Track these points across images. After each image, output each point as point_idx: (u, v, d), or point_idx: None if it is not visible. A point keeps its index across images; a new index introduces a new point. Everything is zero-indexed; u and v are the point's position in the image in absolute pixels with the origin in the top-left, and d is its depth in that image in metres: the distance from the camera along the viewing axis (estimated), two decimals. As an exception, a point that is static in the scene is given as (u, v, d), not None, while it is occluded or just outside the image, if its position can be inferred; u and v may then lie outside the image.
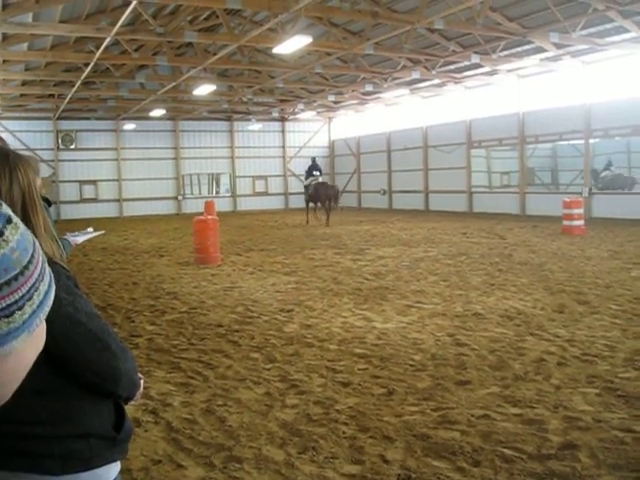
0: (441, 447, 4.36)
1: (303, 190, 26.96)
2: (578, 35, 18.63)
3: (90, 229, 5.41)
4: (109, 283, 12.07)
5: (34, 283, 0.93)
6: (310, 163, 27.38)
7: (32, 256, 0.94)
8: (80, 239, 5.17)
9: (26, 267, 0.92)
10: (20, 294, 0.90)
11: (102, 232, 4.77)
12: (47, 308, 0.99)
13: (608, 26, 18.56)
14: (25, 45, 19.07)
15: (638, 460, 4.05)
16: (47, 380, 1.78)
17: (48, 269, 1.02)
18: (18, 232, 0.92)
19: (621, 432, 4.48)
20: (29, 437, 1.77)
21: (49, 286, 1.00)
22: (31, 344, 0.97)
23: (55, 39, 19.70)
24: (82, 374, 1.80)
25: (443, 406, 5.13)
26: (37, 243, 0.99)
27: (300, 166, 39.00)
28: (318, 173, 26.48)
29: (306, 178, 27.10)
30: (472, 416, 4.89)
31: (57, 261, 1.84)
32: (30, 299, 0.92)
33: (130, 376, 1.91)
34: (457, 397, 5.33)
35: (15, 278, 0.89)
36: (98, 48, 18.08)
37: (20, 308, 0.90)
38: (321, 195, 24.69)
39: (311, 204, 25.76)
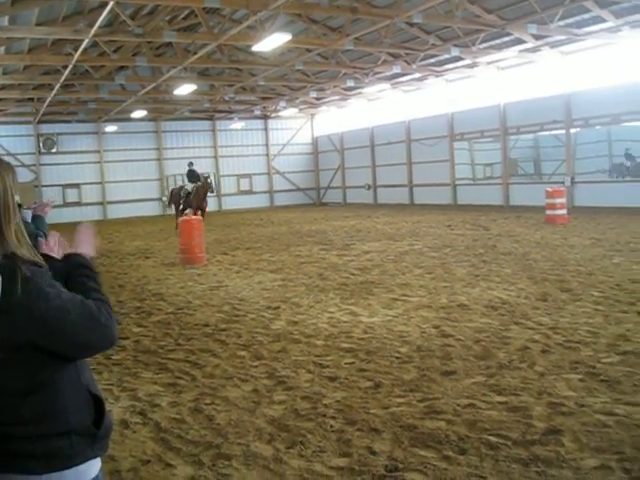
0: (427, 437, 4.41)
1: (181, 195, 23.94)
2: (556, 26, 18.79)
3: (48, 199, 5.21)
4: (95, 286, 12.02)
5: None
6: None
7: None
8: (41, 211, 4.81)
9: None
10: None
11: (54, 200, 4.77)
12: None
13: (585, 16, 18.71)
14: (2, 49, 18.93)
15: (620, 443, 4.11)
16: (30, 381, 1.81)
17: None
18: None
19: (604, 416, 4.55)
20: (12, 438, 1.79)
21: None
22: None
23: (32, 42, 19.56)
24: (82, 355, 1.96)
25: (429, 397, 5.18)
26: None
27: (284, 164, 39.01)
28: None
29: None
30: (458, 405, 4.94)
31: (32, 259, 1.86)
32: None
33: (116, 329, 1.96)
34: (443, 387, 5.38)
35: None
36: (76, 50, 18.00)
37: None
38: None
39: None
